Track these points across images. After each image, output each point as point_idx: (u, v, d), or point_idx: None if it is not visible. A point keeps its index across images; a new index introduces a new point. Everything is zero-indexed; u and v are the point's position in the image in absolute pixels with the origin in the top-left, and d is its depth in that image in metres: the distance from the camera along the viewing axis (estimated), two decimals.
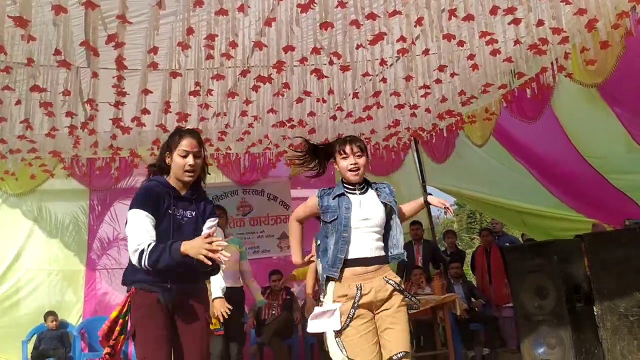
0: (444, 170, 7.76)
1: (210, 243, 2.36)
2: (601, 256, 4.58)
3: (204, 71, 4.42)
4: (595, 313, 4.71)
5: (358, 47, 4.20)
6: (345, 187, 2.90)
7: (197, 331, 2.67)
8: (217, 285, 4.26)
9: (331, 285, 2.82)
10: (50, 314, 6.70)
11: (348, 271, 2.75)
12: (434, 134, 7.06)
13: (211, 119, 5.55)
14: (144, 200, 2.59)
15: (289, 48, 3.91)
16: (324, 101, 5.09)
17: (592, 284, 4.68)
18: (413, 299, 2.81)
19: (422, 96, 5.38)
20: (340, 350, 2.72)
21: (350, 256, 2.75)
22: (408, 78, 4.76)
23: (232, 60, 4.12)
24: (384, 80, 4.99)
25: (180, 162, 2.64)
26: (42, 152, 6.04)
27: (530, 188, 6.84)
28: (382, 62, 4.39)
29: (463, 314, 6.27)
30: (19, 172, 6.61)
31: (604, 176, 5.88)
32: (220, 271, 3.46)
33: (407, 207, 3.16)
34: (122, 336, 2.71)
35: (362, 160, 2.87)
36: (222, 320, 4.10)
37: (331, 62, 4.35)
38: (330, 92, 4.95)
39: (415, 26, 3.93)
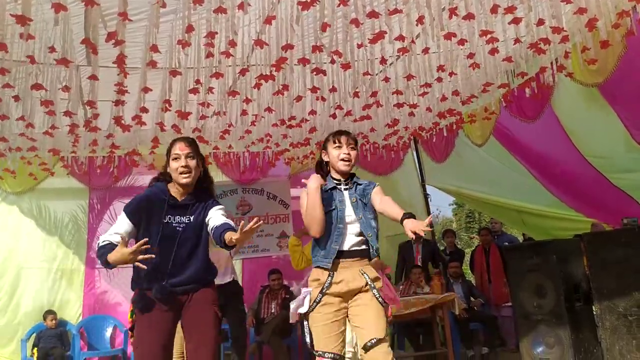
0: (444, 170, 7.75)
1: (134, 252, 2.44)
2: (600, 256, 4.59)
3: (204, 69, 4.42)
4: (594, 313, 4.72)
5: (359, 46, 4.20)
6: (334, 181, 2.95)
7: (203, 331, 2.71)
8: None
9: (312, 271, 2.92)
10: (50, 312, 6.70)
11: (335, 260, 2.81)
12: (433, 133, 7.05)
13: (211, 117, 5.55)
14: (136, 205, 2.75)
15: (289, 46, 3.90)
16: (324, 100, 5.09)
17: (591, 283, 4.68)
18: (380, 298, 2.76)
19: (420, 95, 5.37)
20: (305, 334, 2.81)
21: (340, 248, 2.82)
22: (409, 77, 4.76)
23: (232, 58, 4.12)
24: (385, 79, 4.98)
25: (174, 165, 2.77)
26: (41, 151, 6.03)
27: (529, 188, 6.84)
28: (383, 61, 4.39)
29: (462, 313, 6.27)
30: (19, 170, 6.61)
31: (604, 175, 5.87)
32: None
33: (388, 209, 2.83)
34: None
35: (354, 153, 2.92)
36: None
37: (333, 61, 4.35)
38: (332, 90, 4.95)
39: (416, 25, 3.92)
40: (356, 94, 5.25)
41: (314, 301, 2.77)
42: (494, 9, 3.83)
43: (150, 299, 2.68)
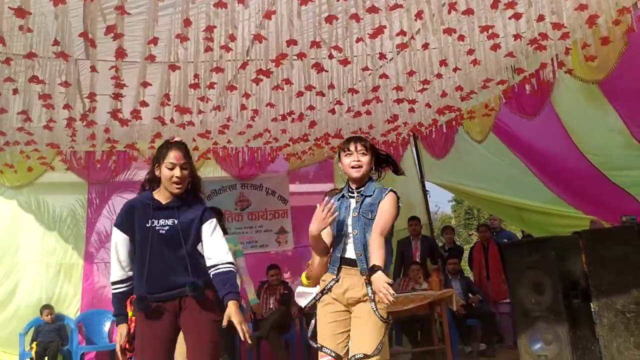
0: (443, 166, 7.75)
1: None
2: (599, 253, 4.59)
3: (203, 64, 4.40)
4: (593, 310, 4.72)
5: (358, 40, 4.18)
6: (348, 189, 2.95)
7: (198, 339, 2.68)
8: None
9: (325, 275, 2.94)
10: (46, 307, 6.69)
11: (342, 267, 2.83)
12: (433, 130, 7.05)
13: (210, 112, 5.53)
14: (121, 218, 2.79)
15: (292, 42, 3.88)
16: (323, 95, 5.08)
17: (590, 280, 4.68)
18: (377, 313, 2.67)
19: (419, 91, 5.36)
20: (311, 324, 2.83)
21: (344, 255, 2.83)
22: (411, 73, 4.75)
23: (232, 53, 4.10)
24: (384, 75, 4.96)
25: (167, 174, 2.74)
26: (40, 145, 6.01)
27: (528, 184, 6.84)
28: (382, 57, 4.38)
29: (460, 310, 6.28)
30: (18, 164, 6.60)
31: (603, 173, 5.87)
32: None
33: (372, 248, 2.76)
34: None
35: (365, 159, 2.87)
36: None
37: (331, 56, 4.34)
38: (331, 86, 4.93)
39: (415, 20, 3.91)
40: (355, 90, 5.25)
41: (314, 298, 2.81)
42: (494, 4, 3.82)
43: (148, 304, 2.67)
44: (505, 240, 7.21)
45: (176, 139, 2.96)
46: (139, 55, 4.32)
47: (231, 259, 2.75)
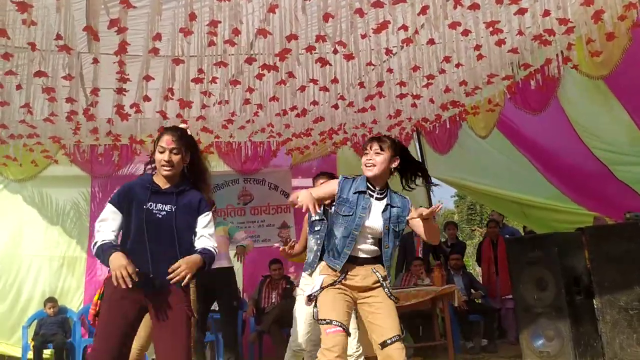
0: (446, 161, 7.73)
1: (125, 272, 2.50)
2: (602, 249, 4.58)
3: (206, 58, 4.39)
4: (595, 306, 4.71)
5: (363, 37, 4.17)
6: (368, 186, 2.92)
7: (171, 325, 2.65)
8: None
9: (322, 264, 2.95)
10: (50, 300, 6.72)
11: (347, 263, 2.84)
12: (437, 125, 7.03)
13: (213, 106, 5.52)
14: (118, 197, 2.77)
15: (292, 36, 3.87)
16: (327, 90, 5.06)
17: (593, 277, 4.68)
18: (392, 296, 2.81)
19: (423, 86, 5.34)
20: (315, 314, 2.82)
21: (353, 253, 2.84)
22: (415, 68, 4.73)
23: (235, 47, 4.09)
24: (389, 70, 4.94)
25: (158, 157, 2.78)
26: (42, 138, 6.02)
27: (532, 180, 6.82)
28: (387, 52, 4.36)
29: (462, 305, 6.27)
30: (21, 158, 6.61)
31: (609, 168, 5.86)
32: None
33: (419, 230, 2.93)
34: None
35: (380, 158, 2.87)
36: None
37: (335, 51, 4.32)
38: (334, 81, 4.91)
39: (419, 15, 3.89)
40: (359, 85, 5.23)
41: (326, 285, 2.81)
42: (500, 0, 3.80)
43: (119, 290, 2.60)
44: (508, 236, 7.19)
45: (182, 126, 2.96)
46: (141, 49, 4.32)
47: (215, 251, 2.78)
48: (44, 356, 6.40)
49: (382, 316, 2.75)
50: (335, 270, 2.82)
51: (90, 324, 2.74)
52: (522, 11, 3.97)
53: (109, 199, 2.80)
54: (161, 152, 2.75)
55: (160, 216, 2.72)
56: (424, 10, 3.84)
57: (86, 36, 4.00)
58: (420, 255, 7.09)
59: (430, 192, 8.27)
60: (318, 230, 3.61)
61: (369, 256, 2.86)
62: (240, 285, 7.40)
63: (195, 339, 4.62)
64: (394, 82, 5.40)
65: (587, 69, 5.07)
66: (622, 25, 4.26)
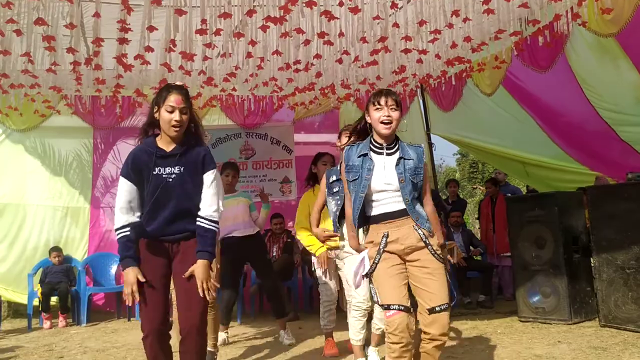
0: (450, 119, 7.69)
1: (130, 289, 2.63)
2: (602, 209, 4.60)
3: (209, 9, 4.31)
4: (592, 265, 4.78)
5: None
6: (372, 145, 2.83)
7: (190, 285, 2.73)
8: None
9: (361, 233, 2.92)
10: (55, 249, 6.82)
11: (374, 225, 2.79)
12: (442, 82, 6.95)
13: (215, 59, 5.45)
14: (127, 168, 2.79)
15: None
16: (331, 44, 4.98)
17: (591, 236, 4.71)
18: (436, 255, 2.73)
19: (430, 41, 5.24)
20: (374, 295, 2.77)
21: (374, 213, 2.78)
22: (421, 23, 4.63)
23: None
24: (395, 24, 4.85)
25: (166, 117, 2.73)
26: (44, 88, 5.98)
27: (536, 139, 6.79)
28: (393, 5, 4.27)
29: (460, 262, 6.35)
30: (23, 107, 6.58)
31: (613, 128, 5.82)
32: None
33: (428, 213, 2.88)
34: None
35: (396, 114, 2.76)
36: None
37: (341, 4, 4.23)
38: (340, 34, 4.83)
39: None
40: (364, 39, 5.14)
41: (374, 262, 2.74)
42: None
43: (147, 243, 2.75)
44: (510, 194, 7.21)
45: (178, 83, 2.93)
46: None
47: (217, 217, 2.79)
48: (51, 303, 6.55)
49: (431, 281, 2.70)
50: (374, 239, 2.77)
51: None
52: None
53: (122, 172, 2.81)
54: (170, 112, 2.72)
55: (170, 180, 2.74)
56: None
57: None
58: None
59: (432, 149, 8.26)
60: (337, 192, 3.59)
61: (394, 210, 2.75)
62: None
63: (221, 300, 4.76)
64: (399, 37, 5.30)
65: (595, 27, 4.98)
66: None
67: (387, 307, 2.66)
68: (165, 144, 2.79)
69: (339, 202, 3.56)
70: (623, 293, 4.40)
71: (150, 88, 6.21)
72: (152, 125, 2.86)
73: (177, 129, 2.74)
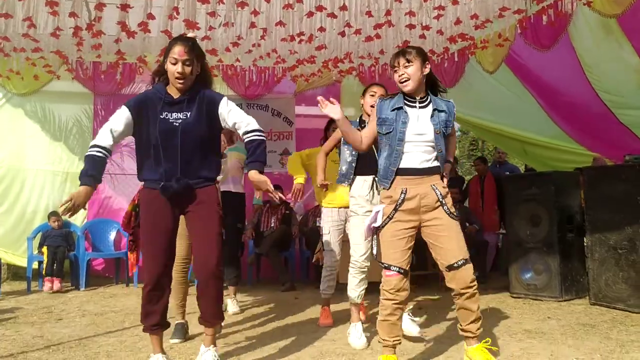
0: (451, 95, 7.53)
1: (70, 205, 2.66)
2: (598, 190, 4.64)
3: None
4: (585, 244, 4.83)
5: None
6: (405, 99, 2.88)
7: (205, 219, 2.80)
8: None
9: (374, 192, 3.04)
10: (54, 214, 6.87)
11: (398, 178, 2.82)
12: (446, 57, 6.92)
13: (218, 28, 5.43)
14: (134, 101, 2.78)
15: None
16: (335, 16, 4.96)
17: (586, 215, 4.77)
18: (450, 214, 2.78)
19: (434, 17, 5.22)
20: (373, 248, 2.86)
21: (401, 166, 2.81)
22: None
23: None
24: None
25: (170, 69, 2.75)
26: (45, 52, 5.95)
27: (536, 118, 6.81)
28: None
29: None
30: (24, 71, 6.56)
31: (612, 111, 5.83)
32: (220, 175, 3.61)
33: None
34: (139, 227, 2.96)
35: (411, 69, 2.82)
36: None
37: None
38: (343, 8, 4.80)
39: None
40: (368, 13, 5.12)
41: (388, 217, 2.79)
42: None
43: (154, 193, 2.76)
44: (508, 172, 7.25)
45: (189, 34, 2.93)
46: None
47: (258, 127, 2.84)
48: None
49: (447, 238, 2.76)
50: (392, 195, 2.80)
51: (123, 229, 2.88)
52: None
53: (126, 102, 2.79)
54: (173, 64, 2.73)
55: (177, 124, 2.74)
56: None
57: None
58: None
59: None
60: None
61: (423, 166, 2.79)
62: None
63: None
64: (403, 12, 5.28)
65: (600, 7, 4.95)
66: None
67: (387, 267, 2.74)
68: (174, 92, 2.81)
69: (353, 153, 3.62)
70: (614, 273, 4.47)
71: (153, 56, 6.20)
72: (160, 74, 2.88)
73: (181, 81, 2.75)
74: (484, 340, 2.83)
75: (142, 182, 2.87)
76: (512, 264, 5.27)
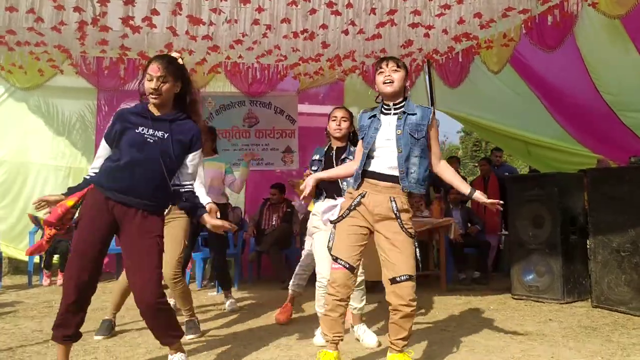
0: (455, 95, 7.65)
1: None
2: (601, 191, 4.61)
3: None
4: (588, 246, 4.80)
5: None
6: (383, 107, 2.94)
7: (140, 251, 2.71)
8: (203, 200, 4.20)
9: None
10: None
11: (364, 180, 2.86)
12: (451, 57, 6.90)
13: (222, 25, 5.42)
14: (110, 128, 2.81)
15: None
16: (339, 14, 4.94)
17: (589, 217, 4.74)
18: (404, 229, 2.77)
19: (437, 15, 5.19)
20: (330, 240, 2.91)
21: (369, 169, 2.86)
22: None
23: None
24: None
25: (146, 85, 2.77)
26: (49, 47, 5.95)
27: (540, 119, 6.78)
28: None
29: (457, 239, 6.40)
30: (27, 65, 6.56)
31: (616, 113, 5.80)
32: (203, 187, 3.82)
33: (449, 176, 3.02)
34: (72, 225, 2.89)
35: (397, 75, 2.86)
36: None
37: None
38: (348, 5, 4.78)
39: None
40: (372, 11, 5.10)
41: (346, 210, 2.86)
42: None
43: (100, 202, 2.70)
44: (507, 174, 7.23)
45: (174, 54, 2.91)
46: None
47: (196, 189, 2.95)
48: (52, 261, 6.64)
49: (395, 252, 2.75)
50: (353, 193, 2.86)
51: (48, 221, 2.77)
52: None
53: (104, 134, 2.82)
54: (149, 80, 2.74)
55: (151, 140, 2.72)
56: None
57: None
58: None
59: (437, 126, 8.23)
60: (315, 170, 3.62)
61: (385, 172, 2.81)
62: (242, 206, 7.55)
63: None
64: (407, 11, 5.25)
65: (604, 7, 4.92)
66: None
67: (335, 259, 2.80)
68: (155, 109, 2.81)
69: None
70: (616, 275, 4.44)
71: (157, 52, 6.19)
72: (143, 93, 2.87)
73: (155, 96, 2.74)
74: (407, 350, 2.83)
75: (94, 183, 2.79)
76: (514, 265, 5.24)
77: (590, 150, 6.57)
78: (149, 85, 2.74)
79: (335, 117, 3.66)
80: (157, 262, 2.72)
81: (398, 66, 2.88)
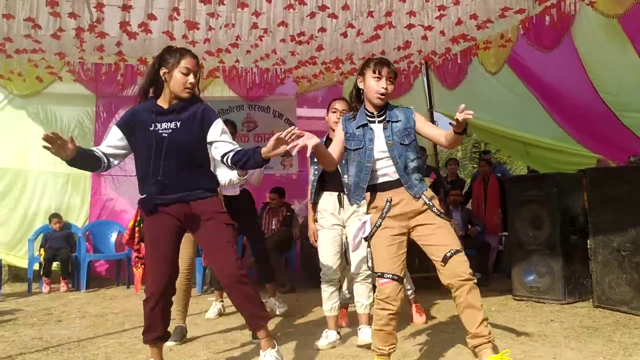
0: (453, 97, 7.64)
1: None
2: (601, 191, 4.60)
3: None
4: (589, 246, 4.79)
5: None
6: (366, 114, 2.83)
7: (211, 232, 2.78)
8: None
9: (366, 197, 2.87)
10: (55, 216, 6.87)
11: (379, 193, 2.77)
12: (448, 58, 6.90)
13: (220, 29, 5.42)
14: (123, 120, 2.84)
15: None
16: (336, 17, 4.94)
17: (589, 217, 4.72)
18: (442, 215, 2.72)
19: (436, 17, 5.19)
20: (368, 260, 2.77)
21: (379, 181, 2.77)
22: None
23: None
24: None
25: (181, 79, 2.76)
26: (47, 54, 5.95)
27: (538, 120, 6.77)
28: None
29: None
30: (26, 73, 6.56)
31: (615, 113, 5.79)
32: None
33: (435, 138, 2.86)
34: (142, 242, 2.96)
35: (391, 88, 2.80)
36: None
37: None
38: (345, 7, 4.79)
39: None
40: (369, 13, 5.10)
41: (375, 225, 2.74)
42: None
43: (154, 204, 2.74)
44: (500, 175, 7.23)
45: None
46: None
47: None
48: (52, 268, 6.63)
49: (437, 235, 2.67)
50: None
51: (128, 246, 2.88)
52: None
53: (116, 122, 2.84)
54: (185, 74, 2.75)
55: (166, 135, 2.73)
56: None
57: None
58: None
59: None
60: (317, 161, 3.60)
61: (395, 178, 2.74)
62: None
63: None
64: (404, 12, 5.26)
65: (602, 7, 4.92)
66: None
67: (380, 275, 2.67)
68: (164, 103, 2.81)
69: (316, 173, 3.70)
70: (617, 275, 4.43)
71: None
72: (153, 84, 2.86)
73: (191, 91, 2.78)
74: (503, 350, 2.63)
75: (141, 200, 2.84)
76: (515, 266, 5.23)
77: (589, 150, 6.56)
78: (187, 80, 2.76)
79: (336, 109, 3.65)
80: (229, 238, 2.82)
81: (396, 75, 2.81)
